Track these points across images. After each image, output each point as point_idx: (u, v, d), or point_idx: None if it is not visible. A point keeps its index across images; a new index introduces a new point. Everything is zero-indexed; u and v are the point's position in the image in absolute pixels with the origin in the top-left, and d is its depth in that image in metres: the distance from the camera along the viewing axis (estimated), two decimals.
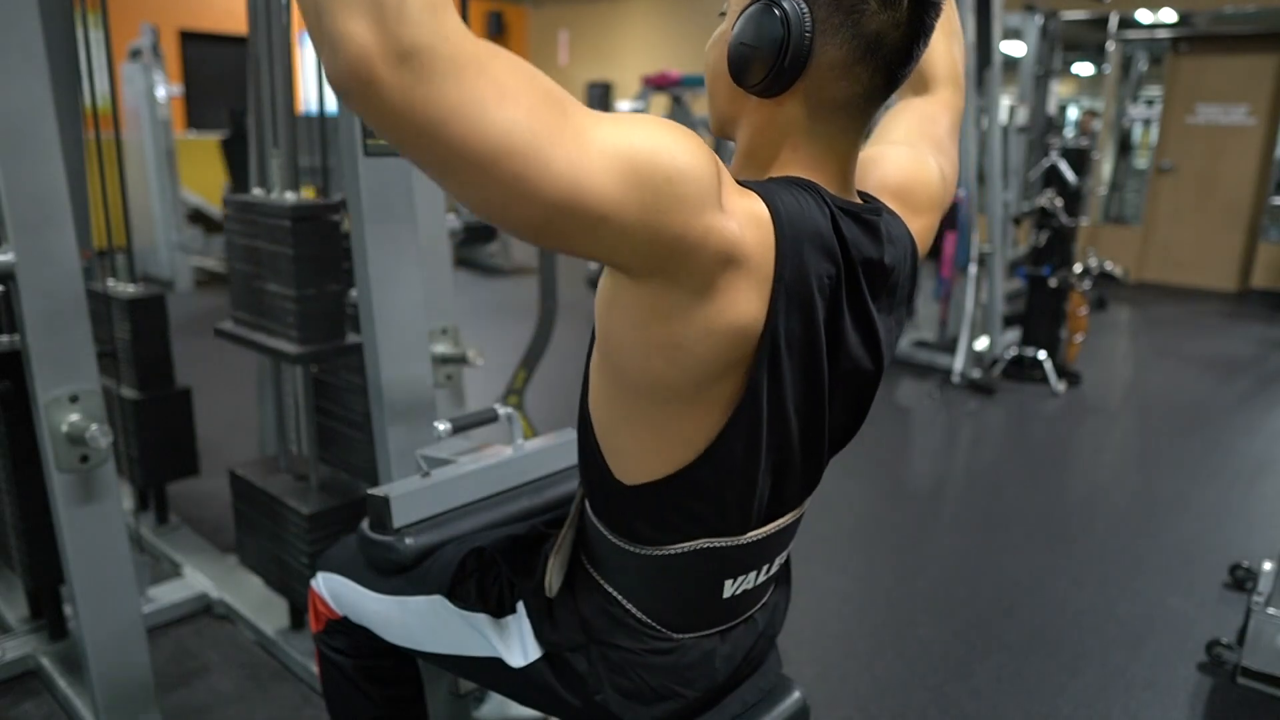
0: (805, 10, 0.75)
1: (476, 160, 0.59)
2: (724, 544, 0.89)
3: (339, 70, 0.56)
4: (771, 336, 0.76)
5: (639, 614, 0.94)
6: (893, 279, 0.88)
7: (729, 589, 0.94)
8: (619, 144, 0.64)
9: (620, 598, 0.95)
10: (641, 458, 0.85)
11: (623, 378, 0.81)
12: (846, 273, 0.80)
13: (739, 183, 0.76)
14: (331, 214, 1.87)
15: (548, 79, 0.63)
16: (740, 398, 0.79)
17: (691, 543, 0.89)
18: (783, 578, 1.08)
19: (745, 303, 0.73)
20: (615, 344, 0.79)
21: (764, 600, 1.03)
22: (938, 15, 0.79)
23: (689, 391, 0.78)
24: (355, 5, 0.54)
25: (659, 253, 0.68)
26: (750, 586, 0.96)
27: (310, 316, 1.83)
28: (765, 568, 0.97)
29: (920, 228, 0.96)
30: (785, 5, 0.75)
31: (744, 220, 0.72)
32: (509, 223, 0.65)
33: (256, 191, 2.04)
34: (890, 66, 0.78)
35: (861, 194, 0.89)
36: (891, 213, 0.90)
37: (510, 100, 0.59)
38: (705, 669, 0.97)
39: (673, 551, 0.89)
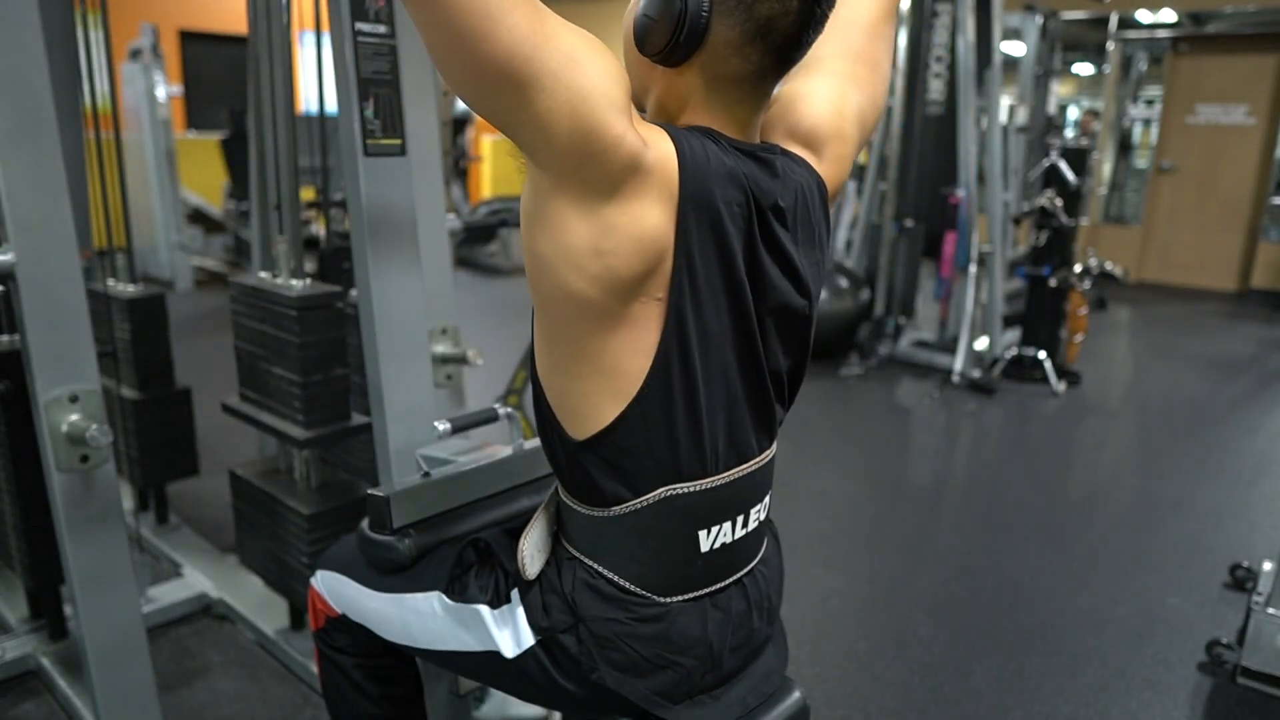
0: None
1: (444, 3, 0.72)
2: (687, 489, 0.91)
3: None
4: (684, 252, 0.83)
5: (621, 581, 0.95)
6: (800, 215, 0.93)
7: (705, 541, 0.94)
8: (566, 34, 0.78)
9: (600, 568, 0.95)
10: (587, 403, 0.88)
11: (553, 309, 0.87)
12: (756, 206, 0.87)
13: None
14: (337, 300, 1.89)
15: None
16: (664, 323, 0.84)
17: (654, 493, 0.90)
18: (769, 541, 1.08)
19: (653, 214, 0.81)
20: (538, 266, 0.85)
21: (751, 565, 1.02)
22: (830, 6, 0.86)
23: (614, 308, 0.83)
24: None
25: (576, 141, 0.77)
26: (729, 540, 0.96)
27: (316, 401, 1.86)
28: (740, 519, 0.97)
29: (830, 172, 0.99)
30: None
31: (650, 139, 0.81)
32: (455, 69, 0.77)
33: (262, 275, 2.04)
34: (780, 49, 0.86)
35: (762, 143, 0.94)
36: (789, 153, 0.95)
37: None
38: (698, 634, 0.96)
39: (639, 506, 0.91)
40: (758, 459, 0.97)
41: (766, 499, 1.02)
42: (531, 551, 0.99)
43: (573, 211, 0.81)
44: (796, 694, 1.06)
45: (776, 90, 0.94)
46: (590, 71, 0.78)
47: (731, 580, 1.00)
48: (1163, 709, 1.98)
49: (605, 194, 0.80)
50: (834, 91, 1.01)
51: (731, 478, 0.94)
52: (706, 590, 0.97)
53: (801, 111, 0.99)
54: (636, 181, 0.80)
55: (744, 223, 0.86)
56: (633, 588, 0.95)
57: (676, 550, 0.94)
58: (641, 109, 0.93)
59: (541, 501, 1.04)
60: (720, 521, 0.95)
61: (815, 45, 0.90)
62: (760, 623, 1.03)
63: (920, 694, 2.01)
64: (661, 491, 0.91)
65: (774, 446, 1.01)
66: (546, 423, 0.94)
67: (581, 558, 0.97)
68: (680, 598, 0.96)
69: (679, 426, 0.88)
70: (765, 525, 1.05)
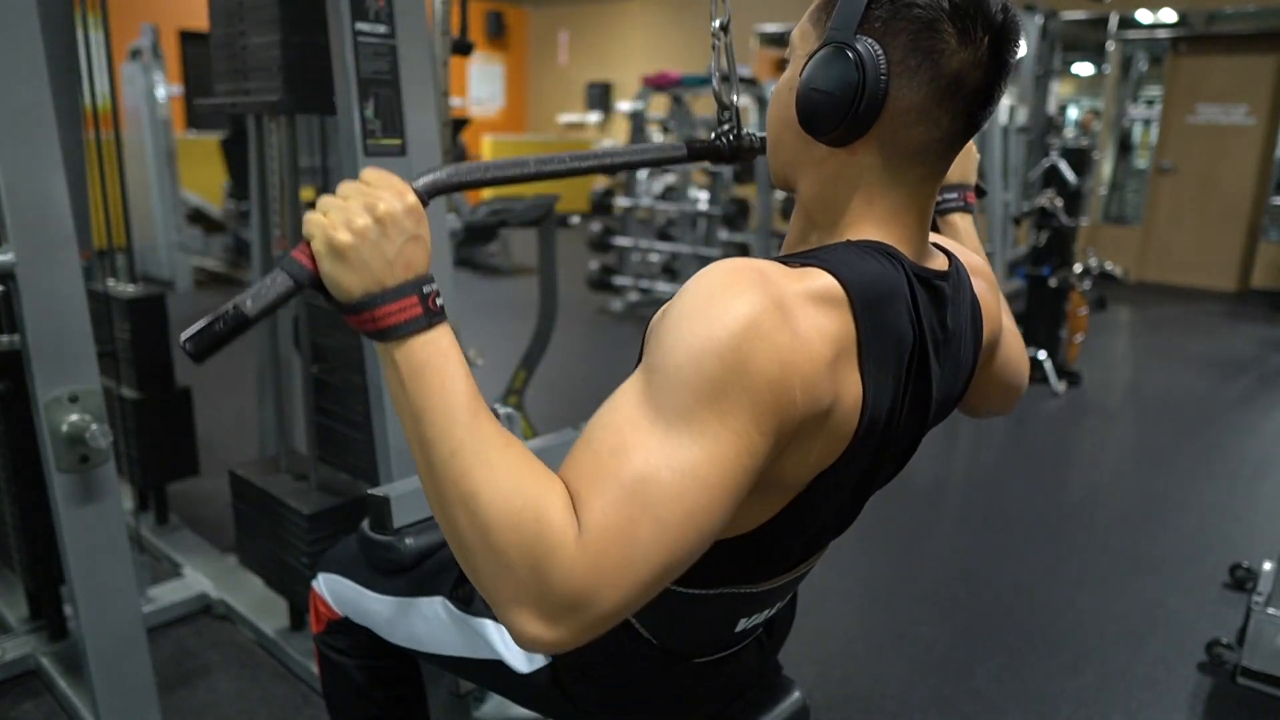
0: (880, 52, 0.70)
1: (675, 565, 0.64)
2: (751, 590, 0.88)
3: (541, 646, 0.61)
4: (871, 414, 0.71)
5: (651, 639, 0.94)
6: (953, 345, 0.84)
7: (742, 625, 0.93)
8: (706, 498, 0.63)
9: (634, 623, 0.94)
10: None
11: None
12: (917, 342, 0.76)
13: (803, 256, 0.72)
14: None
15: (667, 478, 0.62)
16: (801, 488, 0.75)
17: (721, 589, 0.86)
18: (786, 604, 1.08)
19: (849, 404, 0.70)
20: None
21: (771, 618, 1.02)
22: (1017, 51, 0.74)
23: (767, 491, 0.73)
24: (506, 601, 0.61)
25: (791, 434, 0.67)
26: (761, 620, 0.96)
27: (296, 67, 1.75)
28: (778, 604, 0.97)
29: (987, 304, 0.94)
30: (859, 47, 0.70)
31: (816, 333, 0.67)
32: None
33: None
34: (970, 109, 0.74)
35: (936, 245, 0.86)
36: (960, 268, 0.86)
37: (672, 531, 0.61)
38: (710, 688, 0.97)
39: (697, 594, 0.87)
40: (817, 556, 0.94)
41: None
42: None
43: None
44: (796, 694, 1.06)
45: None
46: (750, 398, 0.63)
47: (751, 640, 1.00)
48: (1163, 709, 1.98)
49: (795, 436, 0.68)
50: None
51: (788, 579, 0.91)
52: (727, 653, 0.98)
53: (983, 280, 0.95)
54: (821, 420, 0.68)
55: (902, 368, 0.75)
56: (660, 646, 0.94)
57: (716, 630, 0.93)
58: (790, 190, 0.84)
59: None
60: (762, 610, 0.94)
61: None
62: (765, 660, 1.05)
63: (920, 694, 2.01)
64: (725, 589, 0.86)
65: None
66: None
67: None
68: (701, 660, 0.96)
69: (768, 559, 0.84)
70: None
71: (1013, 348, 1.05)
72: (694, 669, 0.96)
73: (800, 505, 0.76)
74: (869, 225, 0.77)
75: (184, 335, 0.65)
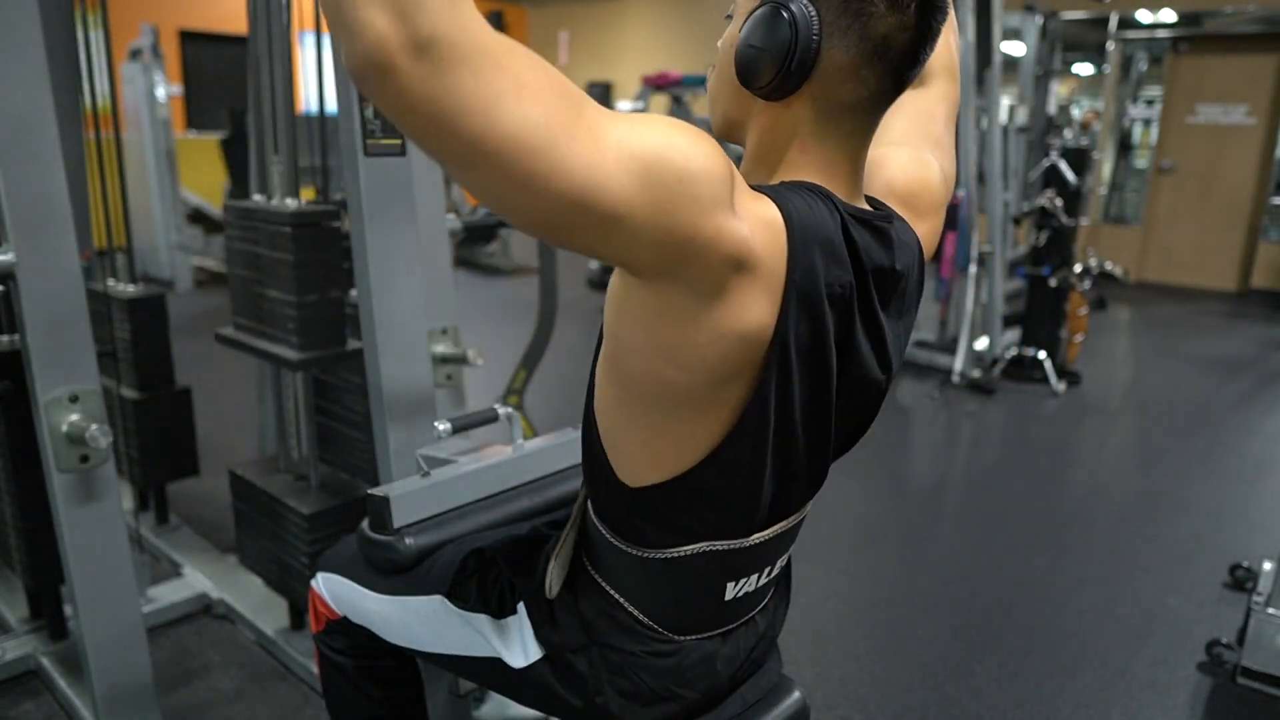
0: (813, 13, 0.75)
1: (491, 153, 0.59)
2: (727, 546, 0.89)
3: (357, 58, 0.56)
4: (781, 342, 0.75)
5: (640, 616, 0.95)
6: (902, 285, 0.88)
7: (730, 591, 0.94)
8: (633, 143, 0.64)
9: (621, 600, 0.95)
10: (646, 461, 0.85)
11: (630, 382, 0.81)
12: (858, 281, 0.80)
13: (751, 187, 0.75)
14: (332, 220, 1.87)
15: (564, 77, 0.63)
16: (748, 403, 0.78)
17: (694, 545, 0.89)
18: (783, 579, 1.08)
19: (755, 307, 0.73)
20: (624, 348, 0.79)
21: (764, 602, 1.03)
22: (944, 19, 0.79)
23: (696, 396, 0.78)
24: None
25: (669, 253, 0.68)
26: (752, 589, 0.96)
27: (311, 323, 1.84)
28: (767, 570, 0.97)
29: (925, 231, 0.96)
30: (793, 8, 0.75)
31: (756, 224, 0.71)
32: (520, 217, 0.65)
33: (257, 197, 2.04)
34: (897, 69, 0.78)
35: (870, 199, 0.89)
36: (900, 219, 0.90)
37: (528, 95, 0.60)
38: (706, 670, 0.97)
39: (675, 554, 0.89)
40: (796, 515, 0.96)
41: (791, 547, 1.02)
42: (559, 572, 0.98)
43: (670, 311, 0.73)
44: (796, 694, 1.06)
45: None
46: (671, 176, 0.65)
47: (745, 620, 1.00)
48: (1163, 709, 1.98)
49: (707, 295, 0.71)
50: (919, 150, 1.00)
51: (771, 536, 0.92)
52: (720, 630, 0.98)
53: (893, 170, 0.96)
54: (740, 276, 0.71)
55: (845, 302, 0.79)
56: (650, 624, 0.95)
57: (702, 597, 0.94)
58: (731, 141, 0.88)
59: (570, 516, 1.01)
60: (750, 574, 0.95)
61: (890, 115, 0.87)
62: (764, 648, 1.05)
63: (920, 694, 2.01)
64: (703, 546, 0.89)
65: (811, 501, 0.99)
66: (596, 460, 0.90)
67: (605, 586, 0.96)
68: (694, 637, 0.96)
69: (736, 494, 0.85)
70: (784, 568, 1.05)
71: (918, 125, 1.04)
72: (690, 649, 0.95)
73: (740, 434, 0.80)
74: (805, 171, 0.82)
75: None
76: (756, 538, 0.91)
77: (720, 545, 0.89)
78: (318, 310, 1.85)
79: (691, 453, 0.81)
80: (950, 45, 1.11)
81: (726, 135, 0.88)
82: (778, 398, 0.79)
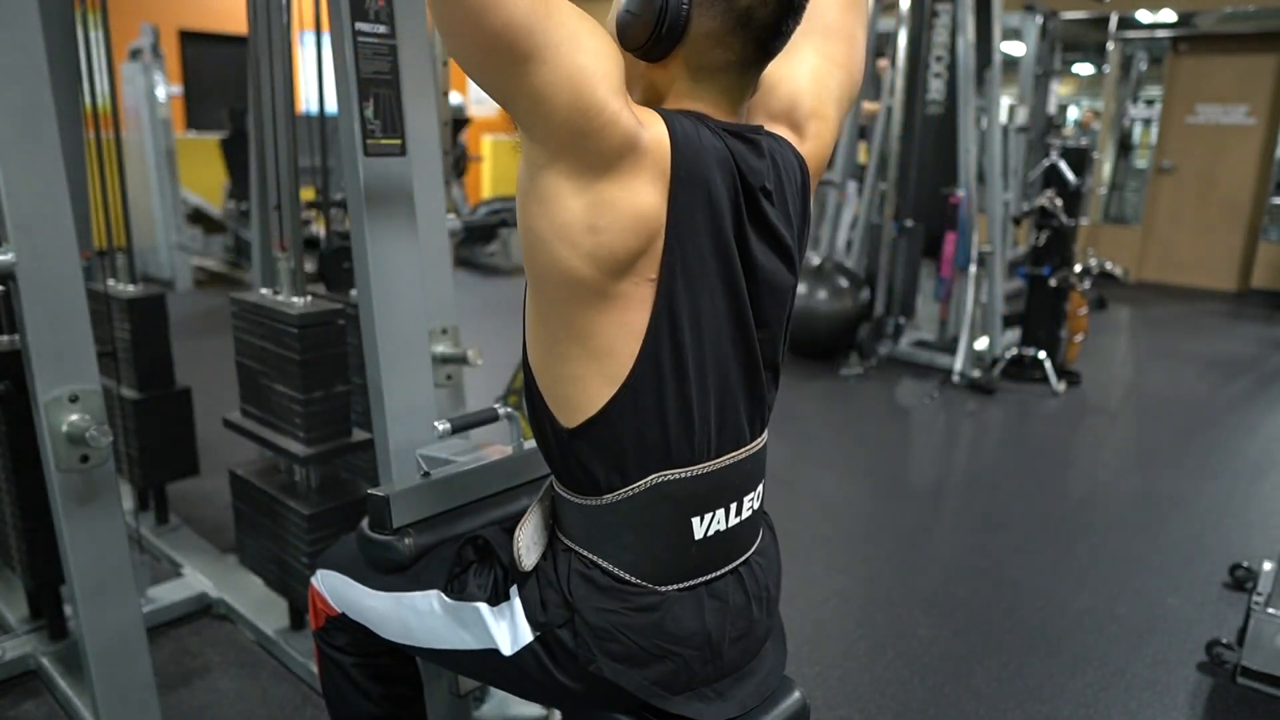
0: None
1: None
2: (679, 475, 0.91)
3: None
4: (676, 231, 0.84)
5: (615, 570, 0.95)
6: (786, 193, 0.95)
7: (698, 529, 0.95)
8: (569, 10, 0.80)
9: (594, 558, 0.95)
10: (578, 389, 0.89)
11: (546, 288, 0.87)
12: (742, 184, 0.89)
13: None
14: (338, 318, 1.89)
15: None
16: (655, 302, 0.85)
17: (645, 479, 0.91)
18: (764, 532, 1.07)
19: (647, 192, 0.83)
20: (535, 242, 0.86)
21: (747, 555, 1.02)
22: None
23: (606, 286, 0.84)
24: None
25: (573, 117, 0.79)
26: (722, 528, 0.97)
27: (317, 418, 1.87)
28: (733, 506, 0.97)
29: (811, 150, 1.01)
30: None
31: (645, 120, 0.83)
32: (466, 40, 0.78)
33: (264, 292, 2.04)
34: (761, 39, 0.88)
35: (748, 125, 0.96)
36: (773, 134, 0.97)
37: None
38: (695, 625, 0.95)
39: (630, 493, 0.91)
40: (750, 445, 0.98)
41: (760, 488, 1.02)
42: (527, 543, 0.99)
43: (568, 187, 0.82)
44: (796, 694, 1.06)
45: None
46: (589, 49, 0.80)
47: (728, 569, 0.99)
48: (1163, 709, 1.98)
49: (600, 170, 0.81)
50: (811, 70, 1.03)
51: (724, 464, 0.95)
52: (702, 579, 0.97)
53: (780, 92, 1.01)
54: (632, 159, 0.82)
55: (733, 203, 0.88)
56: (627, 577, 0.95)
57: (670, 537, 0.94)
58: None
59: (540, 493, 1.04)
60: (713, 509, 0.96)
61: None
62: (760, 614, 1.03)
63: (920, 694, 2.01)
64: (653, 478, 0.91)
65: (765, 434, 1.02)
66: (539, 412, 0.95)
67: (576, 548, 0.97)
68: (675, 586, 0.96)
69: (669, 411, 0.89)
70: (760, 515, 1.05)
71: (822, 39, 1.06)
72: (672, 601, 0.94)
73: (655, 336, 0.86)
74: None
75: None
76: (708, 465, 0.93)
77: (671, 475, 0.91)
78: (324, 405, 1.88)
79: (616, 373, 0.87)
80: (850, 21, 1.09)
81: None
82: (685, 297, 0.86)
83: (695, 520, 0.95)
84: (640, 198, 0.83)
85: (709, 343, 0.89)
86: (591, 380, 0.88)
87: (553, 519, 1.02)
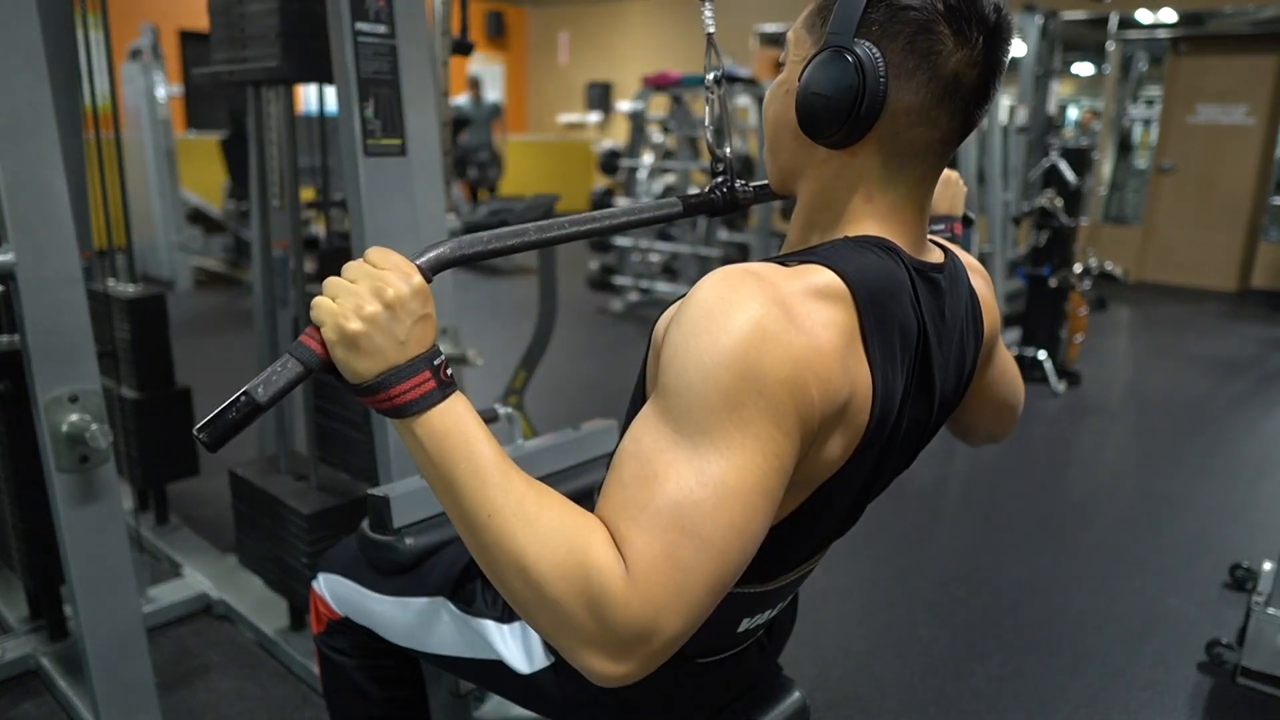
0: (878, 55, 0.71)
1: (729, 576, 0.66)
2: (754, 590, 0.88)
3: (614, 680, 0.62)
4: (882, 411, 0.73)
5: None
6: (953, 333, 0.84)
7: (745, 625, 0.94)
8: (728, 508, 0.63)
9: None
10: None
11: None
12: (920, 339, 0.77)
13: (801, 254, 0.73)
14: None
15: (738, 518, 0.63)
16: (809, 496, 0.76)
17: None
18: (788, 604, 1.08)
19: (862, 395, 0.71)
20: None
21: (770, 623, 1.03)
22: (1009, 49, 0.76)
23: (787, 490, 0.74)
24: (572, 642, 0.62)
25: (815, 431, 0.68)
26: (763, 621, 0.96)
27: (294, 34, 1.69)
28: (780, 604, 0.97)
29: (986, 300, 0.94)
30: (858, 50, 0.71)
31: (822, 327, 0.68)
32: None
33: None
34: (968, 108, 0.75)
35: (933, 240, 0.87)
36: (956, 261, 0.88)
37: (711, 546, 0.62)
38: (713, 688, 0.98)
39: None
40: (821, 554, 0.94)
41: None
42: None
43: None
44: (796, 694, 1.06)
45: None
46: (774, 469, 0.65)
47: (752, 641, 1.00)
48: (1163, 709, 1.98)
49: (821, 443, 0.71)
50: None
51: (792, 579, 0.91)
52: (731, 653, 0.98)
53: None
54: (839, 416, 0.70)
55: (910, 357, 0.76)
56: None
57: (716, 629, 0.92)
58: (789, 194, 0.86)
59: None
60: (765, 610, 0.94)
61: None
62: (764, 665, 1.06)
63: (920, 694, 2.01)
64: (733, 590, 0.86)
65: None
66: None
67: None
68: (704, 660, 0.96)
69: (774, 549, 0.80)
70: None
71: (1008, 363, 1.05)
72: (697, 669, 0.96)
73: (813, 503, 0.77)
74: (868, 222, 0.78)
75: (197, 426, 0.66)
76: (781, 581, 0.90)
77: (749, 590, 0.87)
78: (303, 16, 1.68)
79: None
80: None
81: (784, 187, 0.86)
82: (837, 482, 0.77)
83: (745, 619, 0.93)
84: (835, 448, 0.72)
85: (839, 498, 0.80)
86: None
87: None
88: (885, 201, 0.78)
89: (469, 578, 1.08)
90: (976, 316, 0.90)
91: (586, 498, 0.98)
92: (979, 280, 0.93)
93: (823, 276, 0.70)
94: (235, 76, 1.84)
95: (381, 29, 1.47)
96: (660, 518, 0.61)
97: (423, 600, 1.11)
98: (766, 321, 0.64)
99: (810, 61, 0.74)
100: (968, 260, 0.94)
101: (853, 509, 0.86)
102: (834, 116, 0.73)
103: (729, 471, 0.62)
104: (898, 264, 0.75)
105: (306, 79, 1.77)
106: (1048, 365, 4.40)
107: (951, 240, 1.12)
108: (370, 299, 0.66)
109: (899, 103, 0.73)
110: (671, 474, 0.62)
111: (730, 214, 0.98)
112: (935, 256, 0.84)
